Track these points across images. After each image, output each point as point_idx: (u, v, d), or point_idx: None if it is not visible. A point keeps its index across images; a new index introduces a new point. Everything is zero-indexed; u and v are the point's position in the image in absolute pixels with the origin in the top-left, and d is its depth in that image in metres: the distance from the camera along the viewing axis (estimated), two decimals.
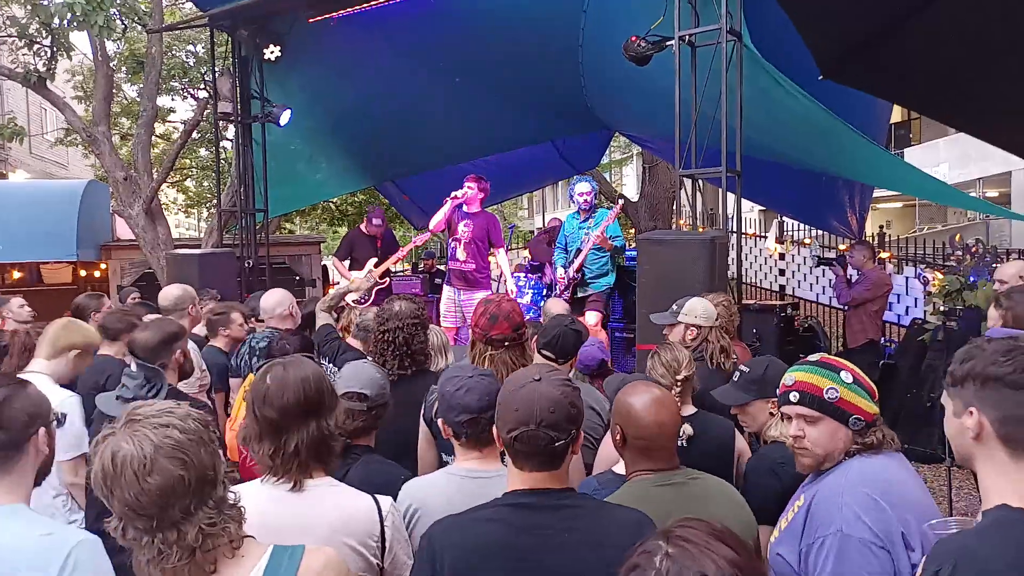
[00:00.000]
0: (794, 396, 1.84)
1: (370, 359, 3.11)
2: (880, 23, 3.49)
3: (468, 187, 6.48)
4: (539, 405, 1.60)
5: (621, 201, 6.57)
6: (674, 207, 9.51)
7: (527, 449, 1.62)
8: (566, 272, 6.52)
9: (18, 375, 2.91)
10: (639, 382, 2.27)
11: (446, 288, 6.69)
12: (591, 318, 6.26)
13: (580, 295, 6.50)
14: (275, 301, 4.23)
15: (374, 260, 7.32)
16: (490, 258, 6.76)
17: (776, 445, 2.38)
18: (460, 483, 2.03)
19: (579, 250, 6.44)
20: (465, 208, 6.54)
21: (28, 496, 1.74)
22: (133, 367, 2.74)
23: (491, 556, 1.57)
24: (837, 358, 1.88)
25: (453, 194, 6.44)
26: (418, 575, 1.65)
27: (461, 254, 6.50)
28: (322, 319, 3.69)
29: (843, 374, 1.82)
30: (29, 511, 1.70)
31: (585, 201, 6.57)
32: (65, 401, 2.89)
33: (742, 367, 2.68)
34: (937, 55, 3.59)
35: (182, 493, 1.28)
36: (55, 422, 1.84)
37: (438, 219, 6.50)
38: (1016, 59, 3.56)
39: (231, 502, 1.37)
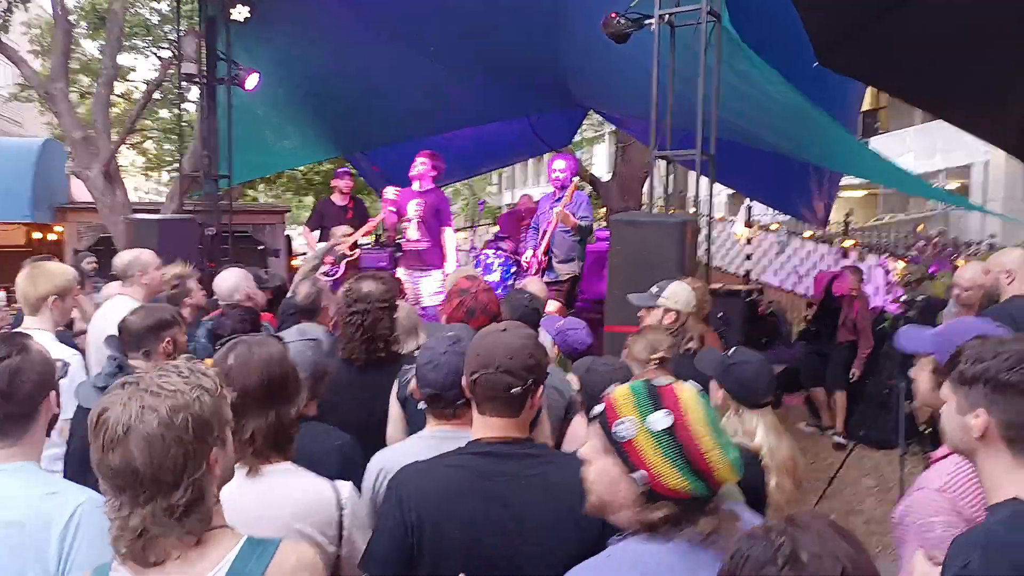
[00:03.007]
0: (596, 410, 1.39)
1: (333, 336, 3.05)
2: (877, 7, 3.48)
3: (420, 162, 6.42)
4: (499, 351, 1.72)
5: (575, 180, 6.31)
6: (645, 188, 9.52)
7: (486, 392, 1.72)
8: (535, 254, 6.32)
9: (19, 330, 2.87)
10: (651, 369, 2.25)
11: (401, 271, 6.55)
12: (550, 306, 6.18)
13: (546, 280, 6.20)
14: (230, 286, 3.89)
15: (344, 228, 7.20)
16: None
17: None
18: (428, 443, 2.02)
19: (545, 231, 6.25)
20: (417, 186, 6.47)
21: (39, 455, 1.76)
22: (111, 354, 2.65)
23: (457, 500, 1.66)
24: (683, 389, 1.36)
25: (387, 196, 6.63)
26: (386, 520, 1.71)
27: (414, 233, 6.41)
28: (301, 288, 3.59)
29: (657, 415, 1.30)
30: (39, 469, 1.72)
31: (556, 179, 6.41)
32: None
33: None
34: (931, 43, 3.60)
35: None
36: (59, 377, 1.83)
37: (388, 221, 6.68)
38: (1006, 49, 3.60)
39: (185, 501, 1.27)
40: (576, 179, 6.04)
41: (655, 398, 1.33)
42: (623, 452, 1.31)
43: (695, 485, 1.28)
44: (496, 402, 1.73)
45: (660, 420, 1.30)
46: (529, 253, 6.42)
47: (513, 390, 1.70)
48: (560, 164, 6.43)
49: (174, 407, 1.25)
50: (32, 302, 3.02)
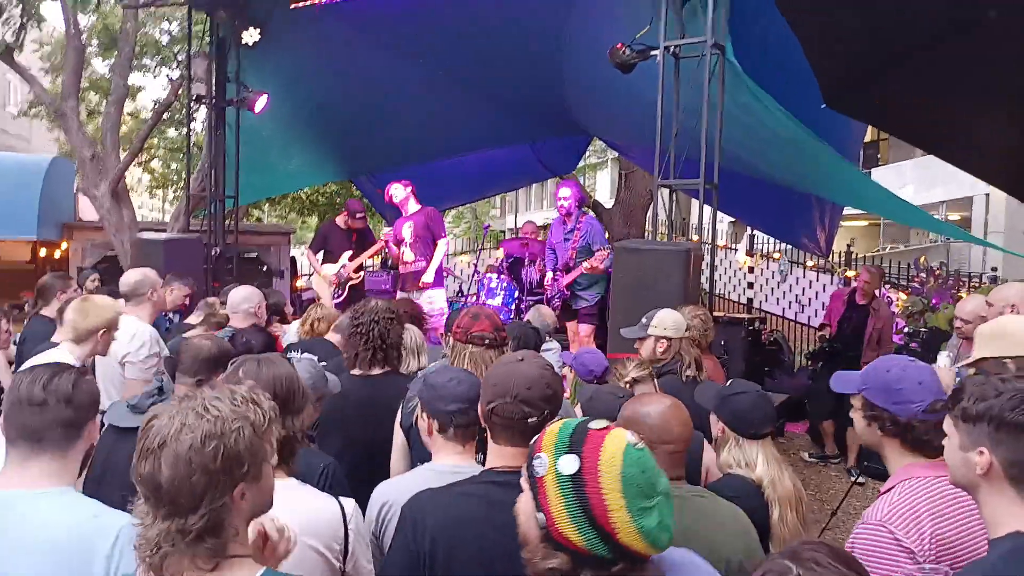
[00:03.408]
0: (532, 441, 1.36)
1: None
2: (887, 56, 3.56)
3: (395, 188, 6.52)
4: (516, 381, 1.72)
5: (605, 250, 6.38)
6: (648, 215, 9.57)
7: (502, 421, 1.72)
8: (556, 280, 6.48)
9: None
10: (649, 394, 2.27)
11: (400, 295, 6.56)
12: (584, 330, 6.32)
13: (573, 307, 6.46)
14: (241, 297, 4.04)
15: (348, 253, 7.23)
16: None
17: (728, 478, 2.36)
18: (430, 477, 2.01)
19: (569, 267, 6.39)
20: (404, 211, 6.55)
21: (74, 479, 1.78)
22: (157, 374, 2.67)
23: (469, 528, 1.66)
24: (613, 438, 1.25)
25: (384, 240, 6.80)
26: (398, 544, 1.73)
27: (409, 255, 6.44)
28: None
29: (567, 459, 1.23)
30: (78, 494, 1.74)
31: (562, 207, 6.52)
32: None
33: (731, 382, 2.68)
34: (936, 91, 3.68)
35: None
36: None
37: (392, 253, 6.71)
38: (1009, 102, 3.68)
39: (198, 528, 1.27)
40: (608, 251, 6.09)
41: (576, 440, 1.25)
42: (534, 488, 1.27)
43: (591, 542, 1.19)
44: (512, 431, 1.73)
45: (568, 464, 1.23)
46: (550, 275, 6.58)
47: (530, 420, 1.70)
48: (565, 192, 6.57)
49: (208, 434, 1.24)
50: (80, 333, 3.14)
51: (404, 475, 2.20)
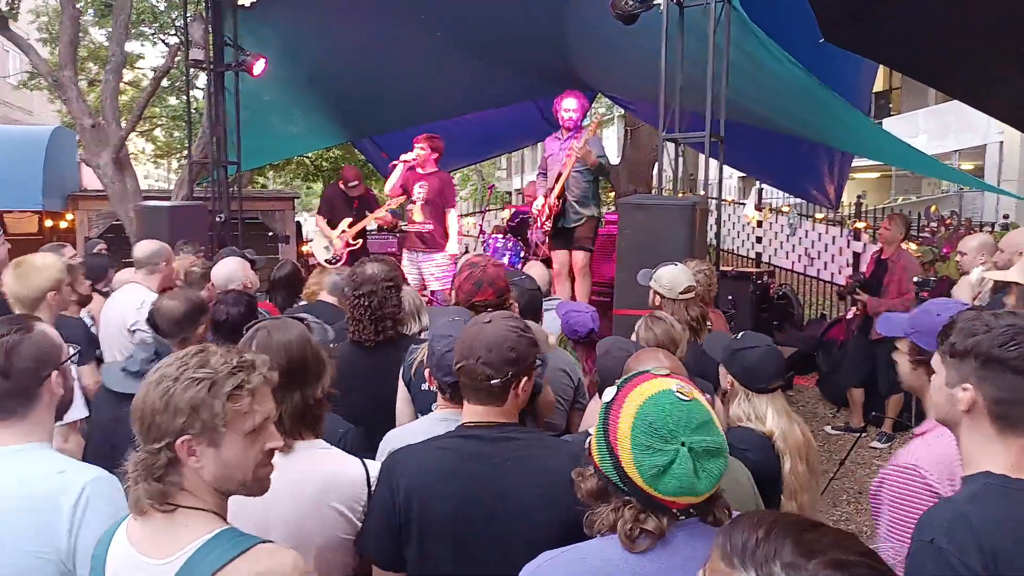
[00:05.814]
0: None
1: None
2: None
3: (419, 149, 6.19)
4: (480, 343, 1.74)
5: (596, 119, 5.95)
6: (654, 171, 9.46)
7: (468, 382, 1.76)
8: (546, 201, 5.98)
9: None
10: (649, 350, 2.27)
11: (405, 253, 6.43)
12: (579, 259, 5.97)
13: (563, 225, 5.96)
14: (225, 276, 3.87)
15: (348, 220, 7.19)
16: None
17: (738, 430, 2.32)
18: (439, 426, 2.02)
19: (560, 174, 5.90)
20: (419, 169, 6.29)
21: (49, 436, 1.75)
22: (147, 339, 2.62)
23: (444, 481, 1.70)
24: (654, 381, 1.32)
25: (403, 157, 6.24)
26: (378, 495, 1.77)
27: (418, 215, 6.26)
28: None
29: (610, 390, 1.34)
30: (49, 449, 1.71)
31: (571, 119, 5.97)
32: None
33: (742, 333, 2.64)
34: (938, 21, 3.55)
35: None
36: (70, 361, 1.80)
37: (392, 183, 6.32)
38: (1012, 30, 3.54)
39: (153, 463, 1.28)
40: (595, 121, 5.66)
41: (629, 378, 1.35)
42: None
43: (605, 464, 1.30)
44: (479, 392, 1.75)
45: (608, 393, 1.35)
46: (540, 201, 6.09)
47: (493, 381, 1.72)
48: (572, 103, 5.99)
49: (165, 375, 1.31)
50: (26, 302, 2.89)
51: (410, 424, 2.22)
